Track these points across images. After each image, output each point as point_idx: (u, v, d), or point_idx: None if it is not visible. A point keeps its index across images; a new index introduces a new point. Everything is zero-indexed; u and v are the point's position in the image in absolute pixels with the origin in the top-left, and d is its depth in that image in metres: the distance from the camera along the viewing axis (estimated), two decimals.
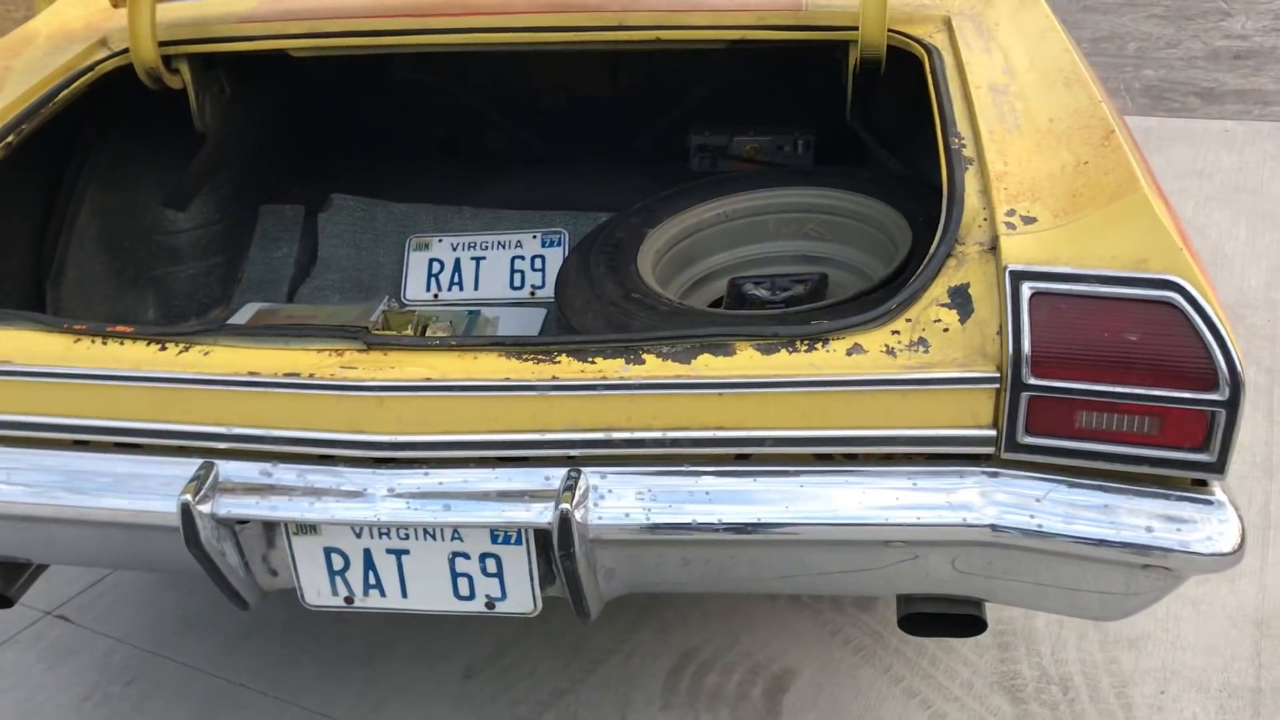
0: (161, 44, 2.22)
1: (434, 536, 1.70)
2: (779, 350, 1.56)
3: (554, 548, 1.57)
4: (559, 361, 1.57)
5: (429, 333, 2.09)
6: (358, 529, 1.70)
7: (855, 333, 1.56)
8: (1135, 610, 1.64)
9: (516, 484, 1.60)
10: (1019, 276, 1.51)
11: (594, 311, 1.94)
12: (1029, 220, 1.57)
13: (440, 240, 2.66)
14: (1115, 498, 1.52)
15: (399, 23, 2.18)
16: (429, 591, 1.75)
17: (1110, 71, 6.20)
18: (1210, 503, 1.51)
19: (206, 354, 1.64)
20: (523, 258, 2.62)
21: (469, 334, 2.43)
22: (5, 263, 2.35)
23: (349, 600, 1.78)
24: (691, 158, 2.82)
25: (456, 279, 2.62)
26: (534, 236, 2.63)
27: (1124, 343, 1.46)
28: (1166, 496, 1.52)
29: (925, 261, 1.60)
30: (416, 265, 2.63)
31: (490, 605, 1.75)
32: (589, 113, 2.88)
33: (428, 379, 1.56)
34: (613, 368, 1.56)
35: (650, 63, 2.81)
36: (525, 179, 2.80)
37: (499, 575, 1.72)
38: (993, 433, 1.54)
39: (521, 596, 1.73)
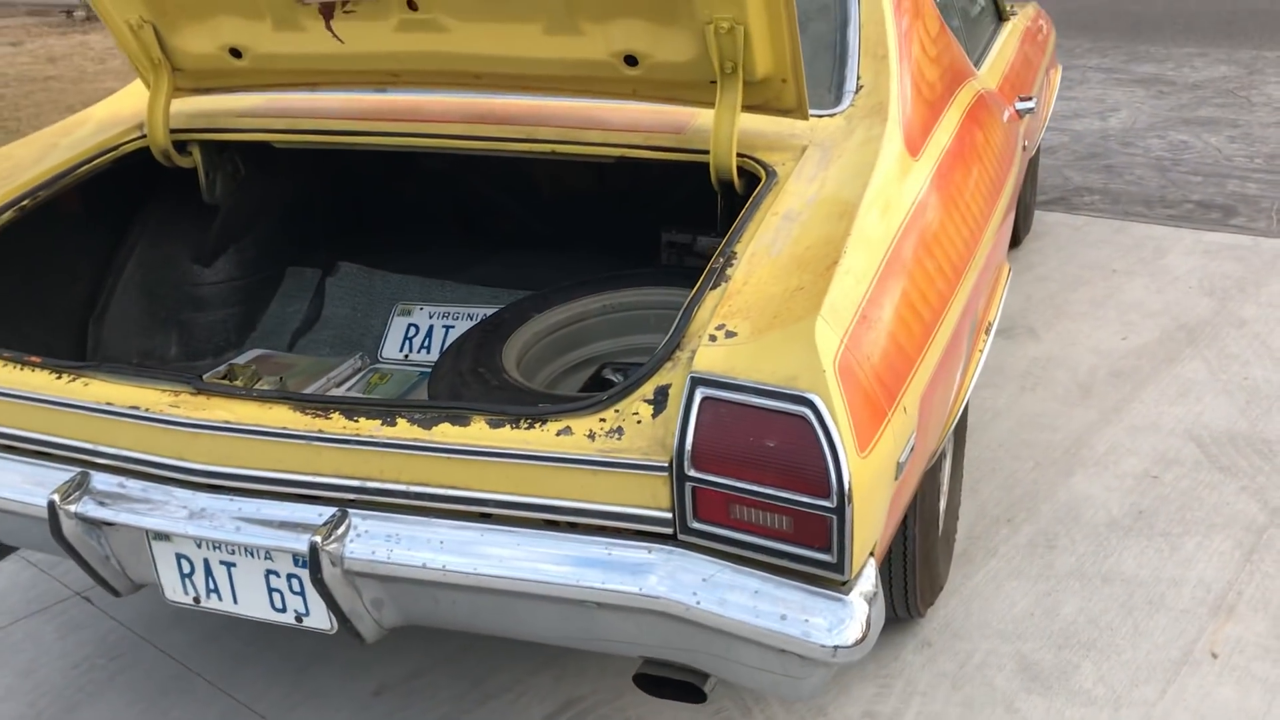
0: (177, 130, 2.70)
1: (253, 555, 2.04)
2: (504, 425, 1.83)
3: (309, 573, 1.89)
4: (330, 418, 1.90)
5: (258, 385, 2.45)
6: (198, 541, 2.06)
7: (570, 417, 1.81)
8: (809, 693, 1.80)
9: (296, 516, 1.93)
10: (697, 382, 1.73)
11: (446, 380, 2.26)
12: (731, 335, 1.79)
13: (421, 308, 3.04)
14: (766, 585, 1.71)
15: (350, 124, 2.58)
16: (253, 600, 2.09)
17: None
18: (840, 600, 1.67)
19: (86, 385, 2.05)
20: None
21: (409, 393, 2.79)
22: (63, 301, 2.88)
23: (196, 600, 2.15)
24: (662, 253, 3.09)
25: (427, 343, 2.98)
26: None
27: (764, 447, 1.66)
28: (805, 590, 1.69)
29: (647, 362, 1.84)
30: (397, 328, 3.02)
31: (299, 619, 2.08)
32: (582, 206, 3.20)
33: (226, 421, 1.92)
34: (369, 427, 1.87)
35: (633, 167, 3.11)
36: (510, 259, 3.14)
37: (302, 594, 2.04)
38: (670, 515, 1.76)
39: (320, 615, 2.05)
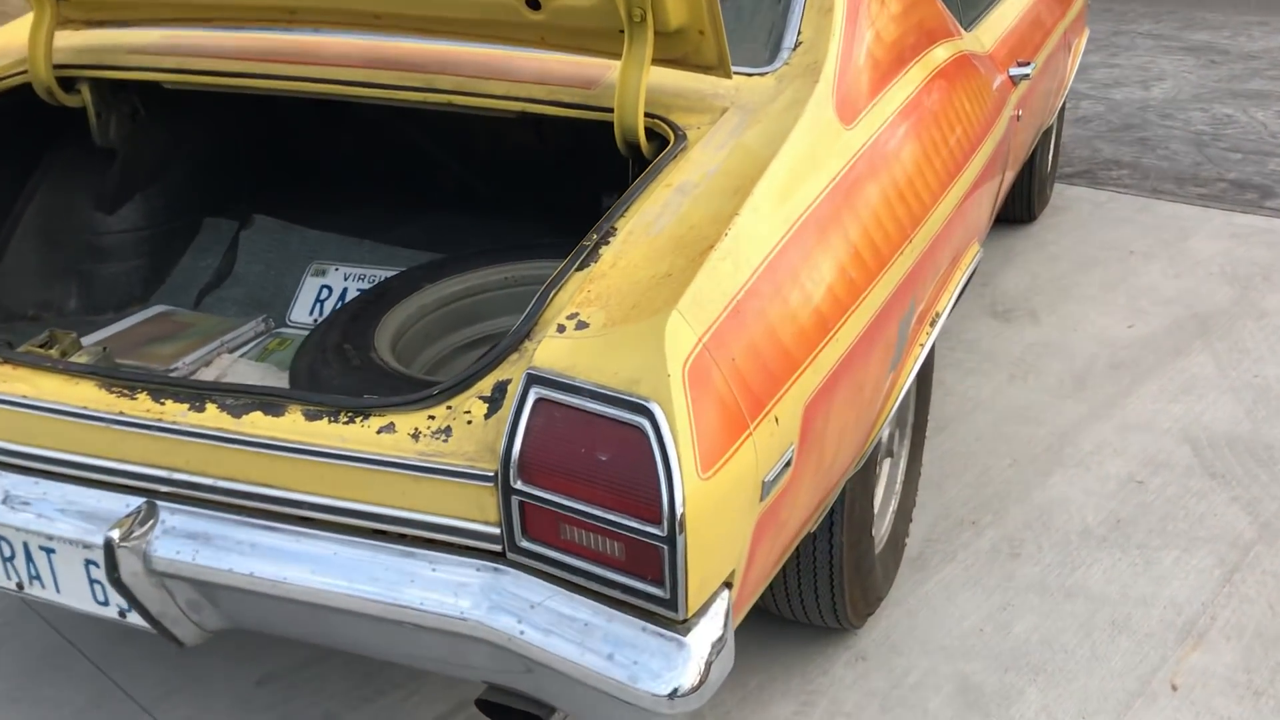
0: (63, 66, 2.48)
1: (70, 542, 1.84)
2: (321, 419, 1.60)
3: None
4: (136, 398, 1.68)
5: (77, 355, 2.23)
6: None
7: (396, 412, 1.58)
8: None
9: (103, 507, 1.72)
10: (532, 380, 1.49)
11: (310, 356, 2.03)
12: (583, 325, 1.54)
13: (337, 269, 2.81)
14: (597, 618, 1.48)
15: (244, 65, 2.35)
16: (75, 591, 1.89)
17: None
18: (676, 641, 1.43)
19: None
20: None
21: None
22: None
23: (20, 586, 1.94)
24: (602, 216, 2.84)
25: (339, 307, 2.75)
26: None
27: (596, 461, 1.42)
28: (640, 627, 1.46)
29: (489, 352, 1.60)
30: (309, 289, 2.80)
31: (122, 615, 1.87)
32: (523, 165, 2.95)
33: (25, 396, 1.71)
34: (175, 411, 1.65)
35: (572, 125, 2.85)
36: (442, 221, 2.91)
37: None
38: (498, 530, 1.52)
39: None
